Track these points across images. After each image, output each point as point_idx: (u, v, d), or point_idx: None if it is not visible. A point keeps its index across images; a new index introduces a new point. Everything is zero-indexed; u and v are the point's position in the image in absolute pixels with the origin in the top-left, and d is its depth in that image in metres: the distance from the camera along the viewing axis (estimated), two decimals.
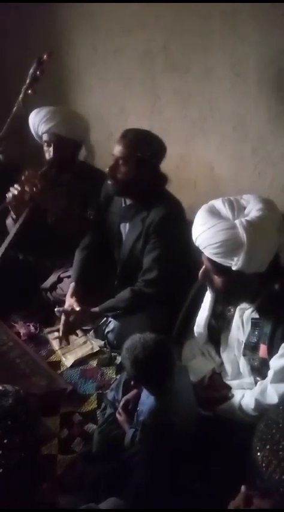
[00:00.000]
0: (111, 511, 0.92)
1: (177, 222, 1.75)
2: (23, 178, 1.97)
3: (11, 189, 1.98)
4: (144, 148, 1.71)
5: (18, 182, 1.97)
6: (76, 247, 2.05)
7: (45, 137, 2.03)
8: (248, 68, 1.86)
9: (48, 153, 2.04)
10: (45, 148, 2.06)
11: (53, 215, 2.02)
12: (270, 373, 1.27)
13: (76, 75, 2.68)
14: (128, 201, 1.87)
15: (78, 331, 1.95)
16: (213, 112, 2.08)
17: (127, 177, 1.74)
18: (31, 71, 2.10)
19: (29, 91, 2.12)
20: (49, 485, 1.22)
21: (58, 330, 1.81)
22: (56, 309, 1.87)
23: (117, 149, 1.73)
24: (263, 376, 1.31)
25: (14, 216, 2.04)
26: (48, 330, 2.04)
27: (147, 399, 1.37)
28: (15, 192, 1.96)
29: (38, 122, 2.01)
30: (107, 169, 1.76)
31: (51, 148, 2.02)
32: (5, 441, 0.68)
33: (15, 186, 1.98)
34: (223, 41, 1.91)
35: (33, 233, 2.06)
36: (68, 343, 1.86)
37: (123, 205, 1.89)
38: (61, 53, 2.59)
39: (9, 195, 1.99)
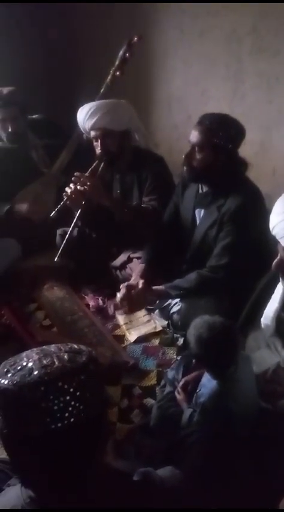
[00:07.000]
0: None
1: (253, 211, 1.71)
2: (72, 179, 2.02)
3: (66, 189, 2.04)
4: (221, 134, 1.66)
5: (71, 182, 2.02)
6: (143, 239, 2.06)
7: (92, 133, 2.05)
8: None
9: (98, 148, 2.07)
10: (94, 143, 2.08)
11: (114, 211, 2.06)
12: None
13: (161, 57, 2.67)
14: (205, 188, 1.85)
15: (143, 310, 2.01)
16: None
17: (204, 164, 1.71)
18: (121, 53, 2.13)
19: (118, 73, 2.16)
20: (111, 446, 1.30)
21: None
22: (121, 286, 1.91)
23: (193, 135, 1.71)
24: None
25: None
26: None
27: (208, 382, 1.39)
28: (68, 192, 2.02)
29: (82, 118, 2.02)
30: (183, 156, 1.75)
31: (99, 143, 2.04)
32: (78, 393, 0.73)
33: (68, 187, 2.03)
34: None
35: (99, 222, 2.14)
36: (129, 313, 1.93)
37: (200, 191, 1.88)
38: (147, 35, 2.59)
39: (65, 194, 2.04)
